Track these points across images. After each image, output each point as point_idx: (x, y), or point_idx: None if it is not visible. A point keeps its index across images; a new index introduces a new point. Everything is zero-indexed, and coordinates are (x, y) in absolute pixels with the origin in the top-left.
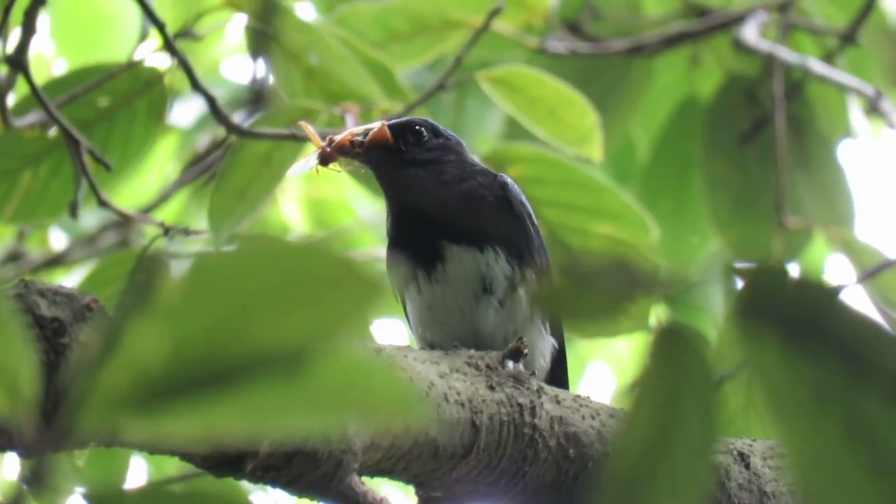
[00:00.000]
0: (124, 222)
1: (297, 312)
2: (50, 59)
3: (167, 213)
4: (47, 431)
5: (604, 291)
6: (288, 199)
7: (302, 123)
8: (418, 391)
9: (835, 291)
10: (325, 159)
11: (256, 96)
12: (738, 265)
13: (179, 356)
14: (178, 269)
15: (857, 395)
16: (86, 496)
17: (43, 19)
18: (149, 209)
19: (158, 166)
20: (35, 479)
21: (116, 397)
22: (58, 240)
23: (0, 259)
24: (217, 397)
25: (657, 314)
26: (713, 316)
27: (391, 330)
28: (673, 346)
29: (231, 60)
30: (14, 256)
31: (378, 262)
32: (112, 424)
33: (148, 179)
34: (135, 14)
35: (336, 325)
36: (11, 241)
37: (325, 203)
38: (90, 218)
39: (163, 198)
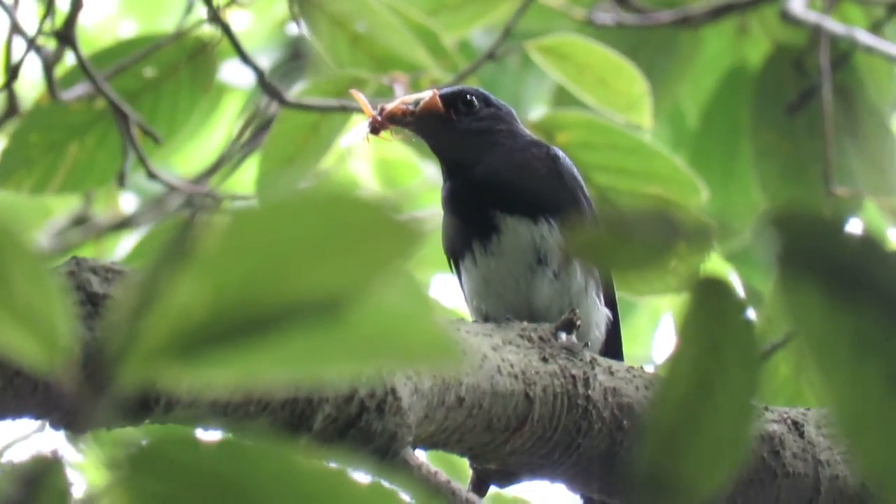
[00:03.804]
0: (196, 180)
1: (335, 260)
2: (116, 20)
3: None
4: (87, 385)
5: (645, 242)
6: (357, 159)
7: (353, 92)
8: (453, 337)
9: (876, 240)
10: (375, 128)
11: (296, 56)
12: (780, 215)
13: (219, 305)
14: (219, 222)
15: None
16: (154, 444)
17: None
18: (208, 172)
19: (223, 126)
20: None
21: (157, 346)
22: (128, 202)
23: (67, 223)
24: (256, 345)
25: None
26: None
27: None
28: (712, 296)
29: None
30: (80, 220)
31: (432, 218)
32: (153, 374)
33: (212, 140)
34: None
35: (373, 272)
36: (78, 205)
37: (392, 162)
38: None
39: (221, 161)
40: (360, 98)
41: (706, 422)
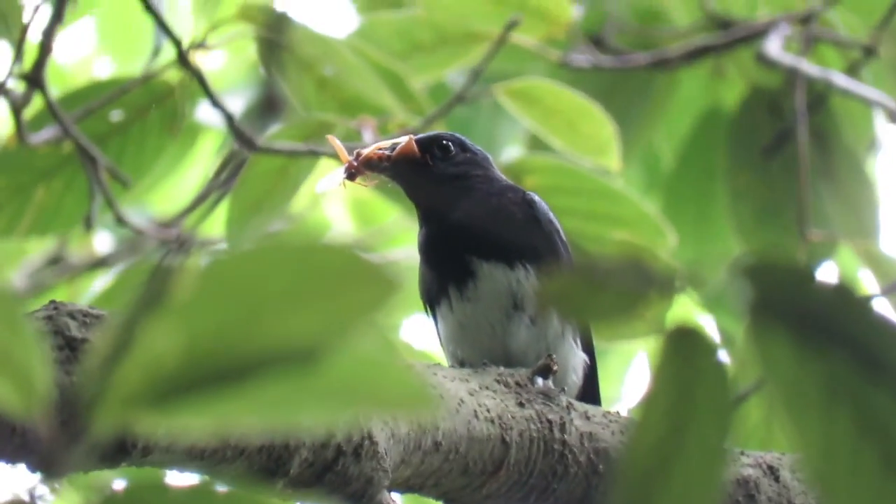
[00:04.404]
0: (167, 223)
1: (310, 308)
2: (93, 59)
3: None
4: (63, 430)
5: (617, 290)
6: (331, 200)
7: (330, 138)
8: (428, 385)
9: (846, 289)
10: (352, 174)
11: (269, 105)
12: (751, 264)
13: (193, 352)
14: (192, 269)
15: (869, 393)
16: (126, 491)
17: (87, 20)
18: (182, 214)
19: (200, 165)
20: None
21: (130, 393)
22: (102, 242)
23: (41, 263)
24: (230, 393)
25: (675, 309)
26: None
27: (422, 330)
28: (685, 345)
29: None
30: (55, 260)
31: (402, 263)
32: (127, 420)
33: (189, 179)
34: (174, 16)
35: (349, 320)
36: (53, 245)
37: (367, 202)
38: (135, 219)
39: (195, 203)
40: (336, 144)
41: (679, 466)
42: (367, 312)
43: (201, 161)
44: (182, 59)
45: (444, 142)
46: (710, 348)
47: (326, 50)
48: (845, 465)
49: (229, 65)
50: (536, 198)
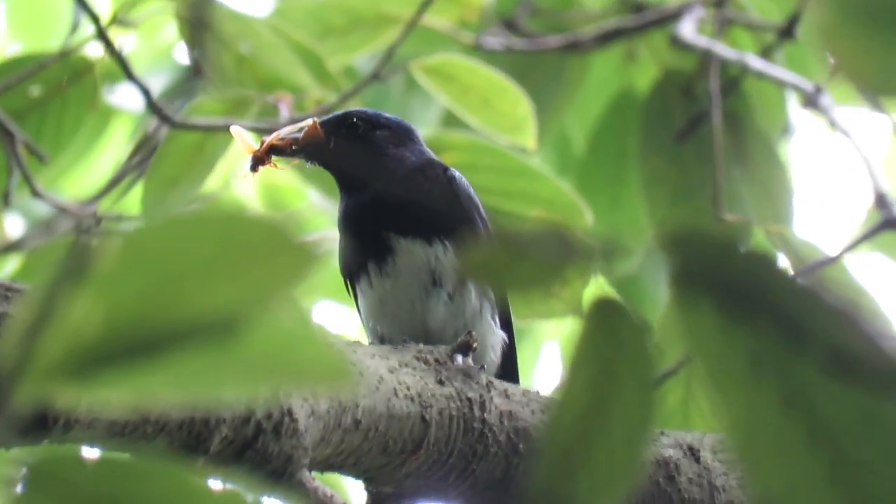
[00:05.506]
0: (79, 207)
1: (230, 280)
2: (4, 43)
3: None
4: None
5: (537, 260)
6: (243, 182)
7: (233, 129)
8: (346, 358)
9: (771, 260)
10: (257, 163)
11: (194, 76)
12: (675, 234)
13: (112, 324)
14: (111, 242)
15: (795, 365)
16: (39, 463)
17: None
18: (99, 195)
19: (113, 150)
20: None
21: (50, 365)
22: (15, 226)
23: None
24: (150, 365)
25: (592, 289)
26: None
27: (338, 315)
28: (608, 317)
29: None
30: None
31: (326, 241)
32: (47, 392)
33: (101, 164)
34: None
35: (268, 293)
36: None
37: (278, 187)
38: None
39: (111, 184)
40: (240, 134)
41: (600, 443)
42: (287, 285)
43: (114, 147)
44: (100, 34)
45: (353, 120)
46: (633, 323)
47: (244, 27)
48: (770, 440)
49: (142, 50)
50: (457, 173)
